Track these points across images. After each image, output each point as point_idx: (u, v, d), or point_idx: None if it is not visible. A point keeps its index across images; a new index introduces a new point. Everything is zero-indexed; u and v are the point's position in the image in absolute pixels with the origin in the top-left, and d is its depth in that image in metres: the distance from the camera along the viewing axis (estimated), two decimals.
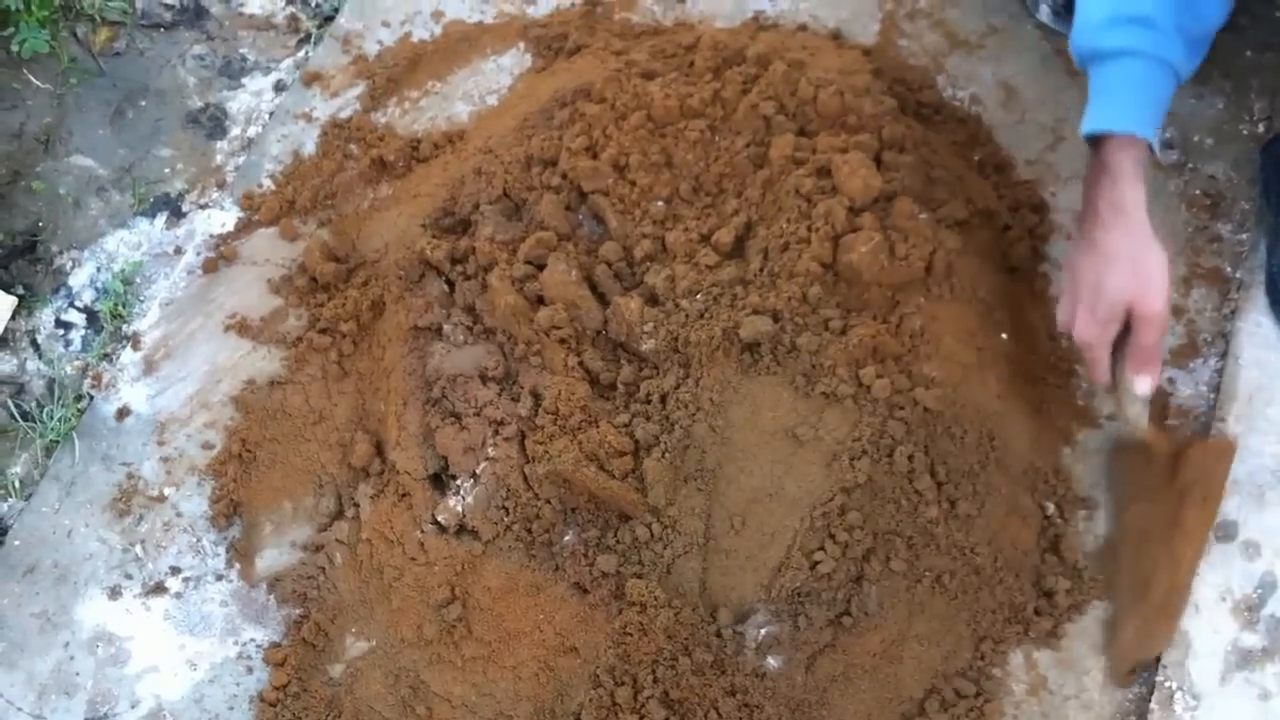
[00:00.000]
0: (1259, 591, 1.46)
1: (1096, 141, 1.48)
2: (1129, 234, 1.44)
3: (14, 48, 1.92)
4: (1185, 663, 1.44)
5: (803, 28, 1.96)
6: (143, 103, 2.01)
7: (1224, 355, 1.62)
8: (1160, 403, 1.58)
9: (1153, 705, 1.42)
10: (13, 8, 1.90)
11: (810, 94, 1.64)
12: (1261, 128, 1.77)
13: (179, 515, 1.65)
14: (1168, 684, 1.43)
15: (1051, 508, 1.55)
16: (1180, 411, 1.60)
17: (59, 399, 1.74)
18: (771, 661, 1.46)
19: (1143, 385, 1.47)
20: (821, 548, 1.45)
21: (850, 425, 1.46)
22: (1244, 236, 1.69)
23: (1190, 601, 1.46)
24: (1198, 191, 1.74)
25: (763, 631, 1.46)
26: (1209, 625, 1.45)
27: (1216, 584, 1.47)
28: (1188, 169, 1.76)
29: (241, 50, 2.08)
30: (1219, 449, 1.51)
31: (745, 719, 1.43)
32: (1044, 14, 1.89)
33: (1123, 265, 1.43)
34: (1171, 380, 1.62)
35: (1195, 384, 1.62)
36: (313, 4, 2.11)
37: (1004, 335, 1.61)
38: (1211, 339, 1.64)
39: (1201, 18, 1.46)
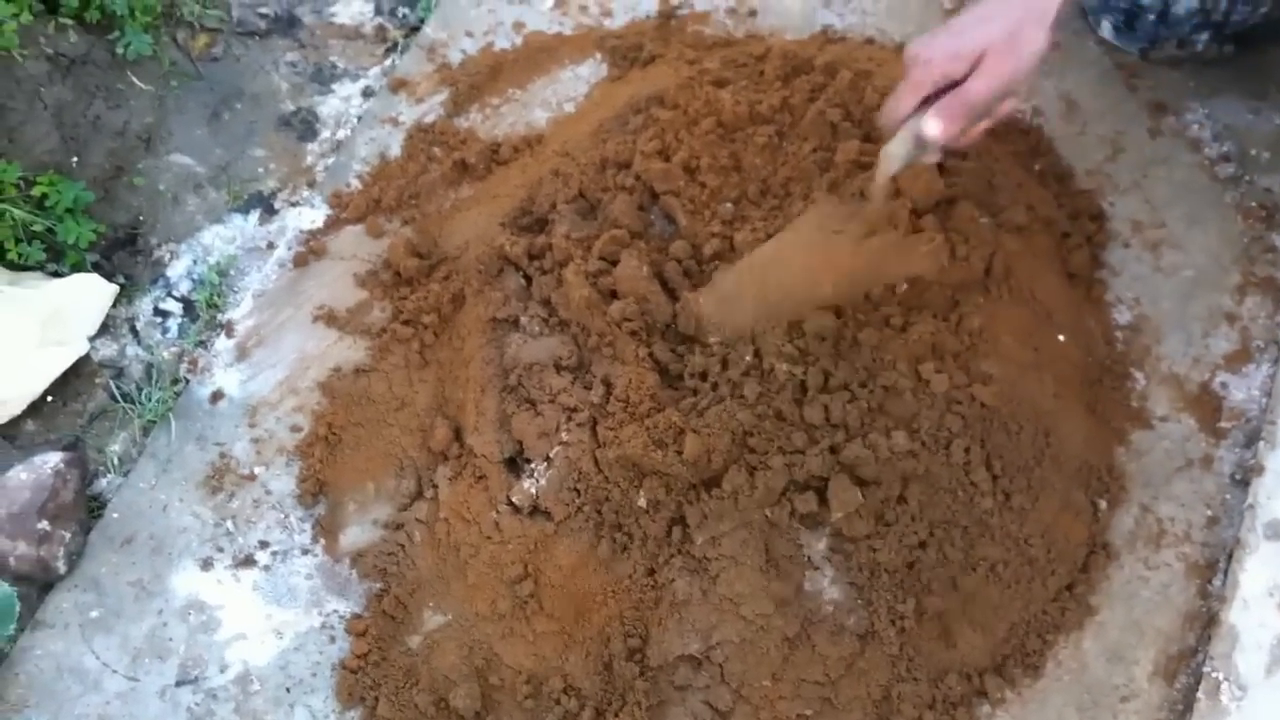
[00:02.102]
0: None
1: None
2: (1013, 5, 1.39)
3: (119, 50, 2.02)
4: (1232, 655, 1.47)
5: (870, 41, 2.02)
6: (238, 106, 2.11)
7: (1276, 361, 1.66)
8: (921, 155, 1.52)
9: (1199, 696, 1.46)
10: (118, 13, 2.00)
11: (876, 102, 1.69)
12: None
13: (268, 493, 1.73)
14: (1214, 675, 1.47)
15: (1104, 505, 1.60)
16: (1233, 414, 1.64)
17: (156, 382, 1.84)
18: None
19: (932, 127, 1.41)
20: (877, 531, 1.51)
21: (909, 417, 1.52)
22: None
23: (1239, 597, 1.50)
24: (1254, 204, 1.78)
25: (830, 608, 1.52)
26: (1256, 619, 1.49)
27: (1265, 579, 1.51)
28: (1244, 181, 1.80)
29: (332, 58, 2.17)
30: (924, 251, 1.51)
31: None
32: (1105, 30, 1.94)
33: (1001, 23, 1.39)
34: (1225, 385, 1.66)
35: (1248, 389, 1.66)
36: (400, 15, 2.20)
37: (1061, 337, 1.66)
38: (1265, 345, 1.68)
39: None
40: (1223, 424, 1.64)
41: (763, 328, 1.55)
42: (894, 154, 1.47)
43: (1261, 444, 1.58)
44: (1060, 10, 1.40)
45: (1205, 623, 1.52)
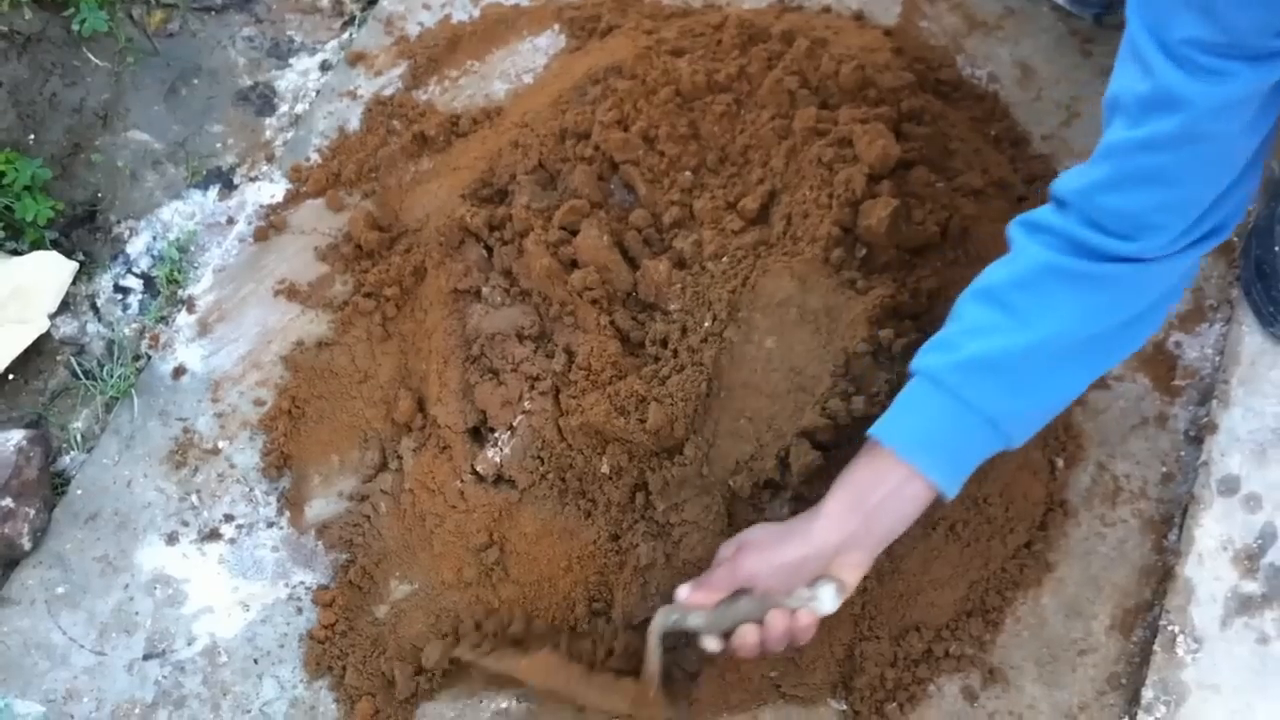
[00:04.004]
0: (1259, 542, 1.52)
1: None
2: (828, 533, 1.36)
3: (75, 26, 2.01)
4: (1188, 608, 1.50)
5: (826, 9, 2.03)
6: (195, 81, 2.10)
7: (1229, 321, 1.68)
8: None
9: (1155, 648, 1.48)
10: None
11: (832, 69, 1.71)
12: None
13: (232, 467, 1.73)
14: (1170, 628, 1.49)
15: (1060, 463, 1.62)
16: (1187, 373, 1.66)
17: (118, 359, 1.83)
18: None
19: (682, 590, 1.41)
20: None
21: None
22: (1250, 208, 1.75)
23: (1193, 551, 1.53)
24: None
25: None
26: (1211, 573, 1.52)
27: (1219, 534, 1.53)
28: None
29: (289, 32, 2.17)
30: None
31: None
32: None
33: (792, 546, 1.37)
34: (1178, 344, 1.68)
35: (1201, 347, 1.68)
36: None
37: None
38: (1217, 305, 1.70)
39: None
40: (1177, 382, 1.66)
41: None
42: (660, 611, 1.43)
43: (1215, 402, 1.61)
44: (842, 541, 1.36)
45: (1161, 577, 1.54)
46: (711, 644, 1.42)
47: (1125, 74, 1.24)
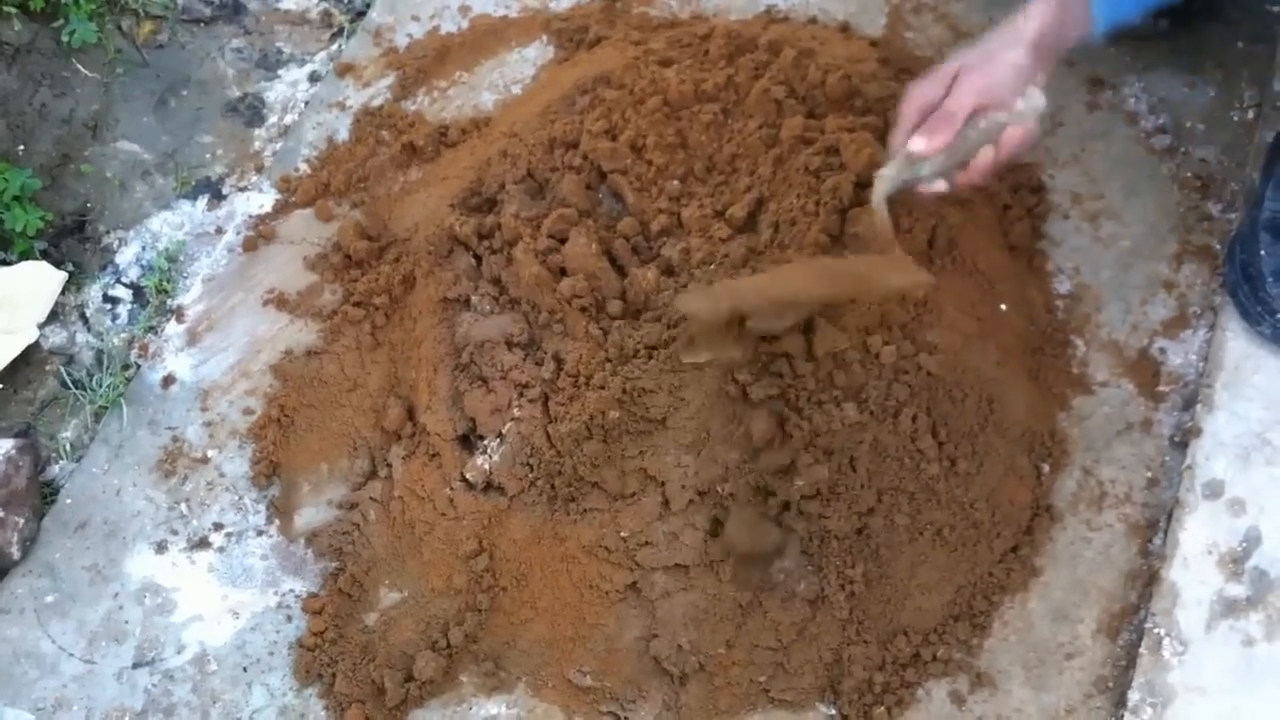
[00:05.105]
0: (1244, 545, 1.53)
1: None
2: (1003, 36, 1.48)
3: (64, 38, 2.02)
4: (1173, 612, 1.51)
5: (813, 20, 2.04)
6: (184, 92, 2.11)
7: (1213, 326, 1.69)
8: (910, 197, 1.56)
9: (1142, 651, 1.49)
10: (63, 1, 1.99)
11: (819, 78, 1.72)
12: (1251, 114, 1.84)
13: (221, 475, 1.74)
14: (1156, 631, 1.50)
15: (1046, 468, 1.63)
16: (1171, 379, 1.68)
17: (107, 368, 1.84)
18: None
19: (917, 143, 1.46)
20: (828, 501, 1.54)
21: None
22: (1232, 216, 1.76)
23: (1179, 555, 1.53)
24: (1189, 174, 1.81)
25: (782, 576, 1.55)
26: (1196, 577, 1.52)
27: (1204, 538, 1.54)
28: (1180, 153, 1.83)
29: (278, 44, 2.18)
30: (899, 269, 1.51)
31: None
32: None
33: (978, 49, 1.48)
34: (1163, 350, 1.70)
35: (1186, 353, 1.69)
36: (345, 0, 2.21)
37: (1003, 307, 1.69)
38: (1201, 311, 1.71)
39: None
40: (1161, 388, 1.67)
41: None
42: (886, 175, 1.49)
43: (1199, 407, 1.62)
44: (1040, 34, 1.46)
45: (1146, 581, 1.55)
46: (942, 185, 1.47)
47: None
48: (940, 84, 1.47)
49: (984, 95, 1.44)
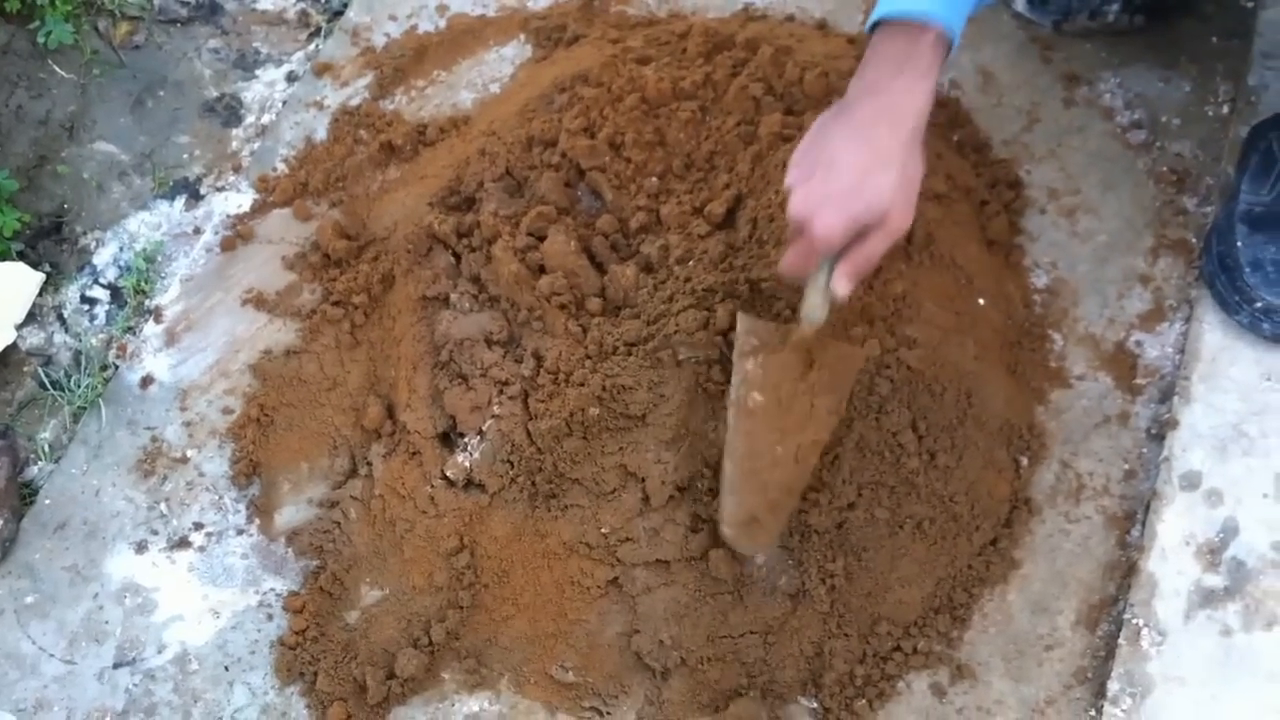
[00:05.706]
0: (1221, 536, 1.54)
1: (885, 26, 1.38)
2: (897, 135, 1.34)
3: (40, 39, 2.01)
4: (1151, 602, 1.51)
5: (790, 18, 2.04)
6: (161, 93, 2.11)
7: (1189, 319, 1.70)
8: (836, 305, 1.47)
9: (1121, 642, 1.49)
10: (39, 2, 1.99)
11: (797, 75, 1.73)
12: (1226, 109, 1.85)
13: (201, 475, 1.73)
14: (1135, 622, 1.50)
15: (1025, 462, 1.64)
16: (1148, 371, 1.69)
17: (85, 369, 1.83)
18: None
19: (844, 288, 1.38)
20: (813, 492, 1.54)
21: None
22: (1208, 210, 1.77)
23: (1156, 546, 1.54)
24: (1165, 168, 1.82)
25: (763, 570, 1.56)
26: (1174, 567, 1.53)
27: (1181, 529, 1.55)
28: (1155, 147, 1.84)
29: (255, 44, 2.17)
30: (851, 354, 1.52)
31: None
32: (1020, 4, 1.97)
33: (893, 172, 1.32)
34: (1139, 343, 1.71)
35: (1162, 346, 1.70)
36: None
37: (981, 302, 1.69)
38: (1177, 304, 1.72)
39: None
40: (1138, 381, 1.68)
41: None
42: (813, 317, 1.44)
43: (1175, 399, 1.62)
44: (924, 115, 1.37)
45: (1125, 572, 1.56)
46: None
47: None
48: (859, 229, 1.34)
49: (896, 235, 1.37)
